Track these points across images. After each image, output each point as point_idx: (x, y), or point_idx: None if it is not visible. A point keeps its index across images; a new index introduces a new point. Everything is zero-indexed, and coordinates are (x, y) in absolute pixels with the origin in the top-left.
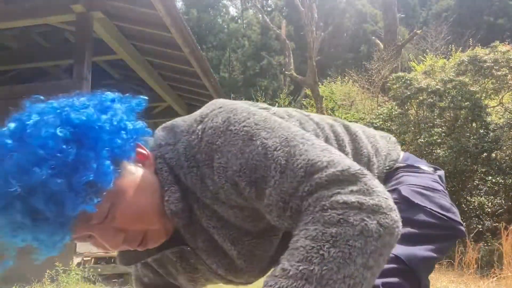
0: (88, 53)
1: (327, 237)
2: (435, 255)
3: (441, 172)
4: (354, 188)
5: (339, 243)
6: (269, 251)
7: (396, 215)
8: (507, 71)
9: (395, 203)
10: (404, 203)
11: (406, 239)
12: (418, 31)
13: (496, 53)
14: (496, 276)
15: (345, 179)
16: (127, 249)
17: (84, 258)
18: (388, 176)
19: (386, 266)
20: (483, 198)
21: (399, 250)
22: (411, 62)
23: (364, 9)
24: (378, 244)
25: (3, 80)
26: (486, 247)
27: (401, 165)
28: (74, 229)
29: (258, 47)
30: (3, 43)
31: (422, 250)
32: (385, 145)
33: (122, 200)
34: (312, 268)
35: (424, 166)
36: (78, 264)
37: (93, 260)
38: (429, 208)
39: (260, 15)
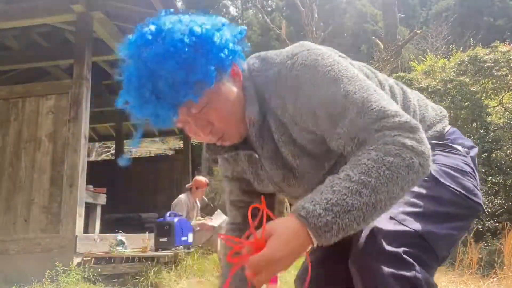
0: (88, 53)
1: (385, 162)
2: (454, 232)
3: (475, 151)
4: (411, 135)
5: (392, 169)
6: (319, 173)
7: (431, 162)
8: (507, 71)
9: (425, 180)
10: (432, 181)
11: (428, 216)
12: (418, 31)
13: (496, 53)
14: (497, 276)
15: (406, 128)
16: (211, 144)
17: (84, 258)
18: None
19: (408, 239)
20: (483, 198)
21: (421, 226)
22: (411, 62)
23: (364, 9)
24: (414, 177)
25: (3, 80)
26: (487, 247)
27: (439, 142)
28: (180, 112)
29: (259, 48)
30: (3, 43)
31: (441, 228)
32: (433, 116)
33: (216, 100)
34: (370, 179)
35: (460, 147)
36: (78, 264)
37: (93, 260)
38: (453, 188)
39: (261, 16)
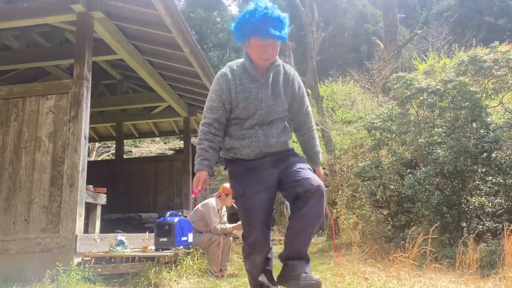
0: (88, 53)
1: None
2: None
3: None
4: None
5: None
6: (279, 107)
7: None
8: (507, 71)
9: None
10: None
11: None
12: (419, 31)
13: (496, 53)
14: (497, 276)
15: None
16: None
17: (84, 258)
18: None
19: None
20: (483, 198)
21: None
22: (414, 61)
23: (365, 9)
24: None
25: (3, 80)
26: (487, 247)
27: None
28: (274, 39)
29: None
30: (3, 43)
31: None
32: None
33: (277, 46)
34: (317, 144)
35: None
36: (78, 264)
37: (93, 260)
38: None
39: None
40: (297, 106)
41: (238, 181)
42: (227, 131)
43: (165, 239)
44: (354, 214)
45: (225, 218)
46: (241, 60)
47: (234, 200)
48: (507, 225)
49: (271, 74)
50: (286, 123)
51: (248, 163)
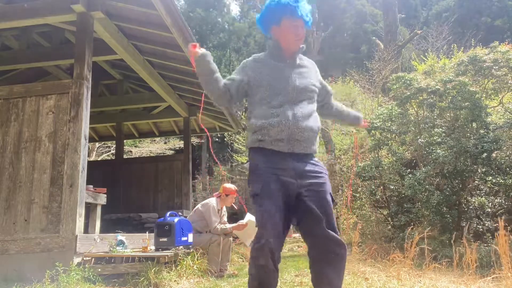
0: (88, 53)
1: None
2: None
3: None
4: None
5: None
6: (305, 86)
7: None
8: (506, 71)
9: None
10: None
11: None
12: (419, 31)
13: (495, 53)
14: (496, 276)
15: None
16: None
17: (84, 258)
18: None
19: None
20: (483, 198)
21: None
22: (413, 61)
23: (365, 9)
24: None
25: (3, 80)
26: (487, 248)
27: None
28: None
29: (262, 47)
30: (3, 43)
31: None
32: None
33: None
34: (344, 108)
35: None
36: (78, 264)
37: (93, 260)
38: None
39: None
40: (325, 92)
41: (259, 177)
42: (253, 113)
43: (165, 239)
44: (354, 214)
45: (225, 218)
46: (265, 52)
47: (233, 199)
48: (503, 225)
49: (297, 57)
50: (315, 108)
51: (274, 159)
